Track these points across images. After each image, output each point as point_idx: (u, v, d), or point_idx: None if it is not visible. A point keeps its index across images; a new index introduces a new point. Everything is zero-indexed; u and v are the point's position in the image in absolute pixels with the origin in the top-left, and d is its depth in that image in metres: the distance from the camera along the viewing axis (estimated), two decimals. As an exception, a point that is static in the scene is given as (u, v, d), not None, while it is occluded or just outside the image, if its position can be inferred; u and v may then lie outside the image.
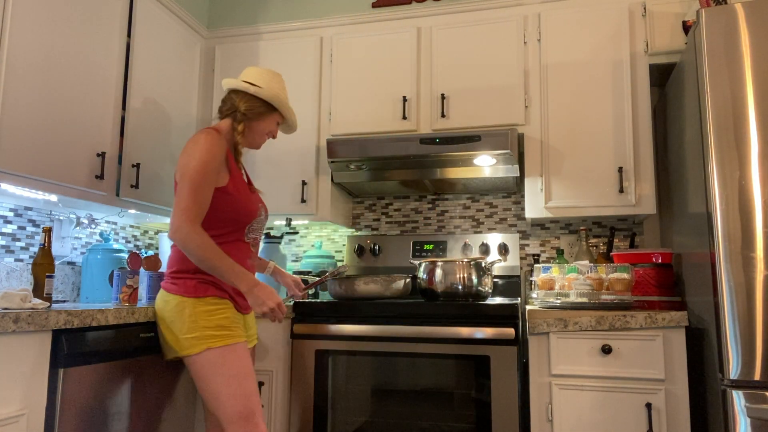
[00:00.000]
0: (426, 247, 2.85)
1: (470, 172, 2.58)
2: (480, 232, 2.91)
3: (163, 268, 2.61)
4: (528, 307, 2.18)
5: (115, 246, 2.45)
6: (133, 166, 2.35)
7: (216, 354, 1.77)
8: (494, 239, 2.78)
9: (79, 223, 2.50)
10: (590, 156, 2.44)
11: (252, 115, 1.95)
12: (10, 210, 2.23)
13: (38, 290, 1.87)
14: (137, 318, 1.82)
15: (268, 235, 2.70)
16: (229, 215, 1.87)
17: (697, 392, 2.03)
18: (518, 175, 2.57)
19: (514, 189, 2.85)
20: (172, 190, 2.60)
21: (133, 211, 2.49)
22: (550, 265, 2.31)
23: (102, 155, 2.17)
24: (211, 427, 1.95)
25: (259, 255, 2.13)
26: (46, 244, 1.92)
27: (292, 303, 2.28)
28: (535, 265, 2.31)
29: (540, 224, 2.85)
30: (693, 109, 1.96)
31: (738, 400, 1.69)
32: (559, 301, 2.13)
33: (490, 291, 2.35)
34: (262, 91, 1.94)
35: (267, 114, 1.98)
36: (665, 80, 2.61)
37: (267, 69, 2.01)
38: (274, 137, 2.06)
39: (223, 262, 1.75)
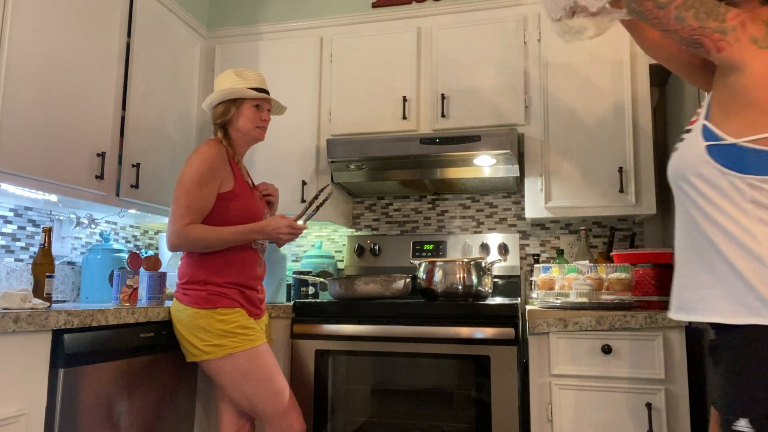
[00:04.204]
0: (426, 247, 2.85)
1: (470, 172, 2.58)
2: (480, 232, 2.91)
3: (164, 268, 2.62)
4: (528, 307, 2.18)
5: (115, 246, 2.45)
6: (133, 166, 2.35)
7: (240, 359, 1.83)
8: (494, 239, 2.78)
9: (79, 223, 2.50)
10: (590, 156, 2.44)
11: (221, 120, 2.02)
12: (10, 210, 2.23)
13: (38, 290, 1.87)
14: (137, 318, 1.82)
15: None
16: (237, 219, 1.92)
17: (697, 392, 2.03)
18: (518, 175, 2.57)
19: (514, 189, 2.85)
20: (173, 191, 2.60)
21: (133, 211, 2.49)
22: (550, 265, 2.31)
23: (102, 155, 2.17)
24: (225, 425, 1.97)
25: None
26: (46, 244, 1.92)
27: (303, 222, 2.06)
28: (535, 265, 2.31)
29: (540, 224, 2.85)
30: (693, 108, 1.96)
31: (738, 400, 1.68)
32: (559, 301, 2.12)
33: (490, 291, 2.35)
34: (212, 96, 2.02)
35: (232, 109, 2.01)
36: (665, 80, 2.61)
37: (223, 72, 2.08)
38: (265, 120, 2.06)
39: (225, 232, 1.86)
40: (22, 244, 2.27)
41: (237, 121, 2.02)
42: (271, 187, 2.21)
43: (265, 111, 2.06)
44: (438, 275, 2.30)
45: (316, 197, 2.07)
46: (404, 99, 2.63)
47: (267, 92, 2.07)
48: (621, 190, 2.37)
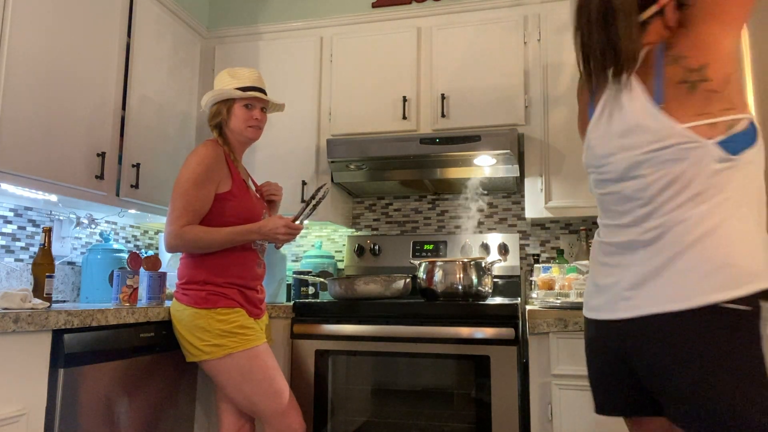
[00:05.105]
0: (426, 247, 2.85)
1: (470, 172, 2.58)
2: (480, 232, 2.91)
3: (164, 268, 2.62)
4: (528, 307, 2.18)
5: (115, 246, 2.45)
6: (133, 166, 2.35)
7: (240, 358, 1.83)
8: (494, 239, 2.78)
9: (79, 223, 2.50)
10: (590, 156, 2.44)
11: (215, 121, 2.03)
12: (10, 210, 2.23)
13: (38, 290, 1.87)
14: (137, 318, 1.82)
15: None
16: (235, 220, 1.92)
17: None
18: (518, 175, 2.57)
19: (514, 189, 2.85)
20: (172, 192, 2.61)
21: (133, 211, 2.49)
22: (550, 265, 2.31)
23: (102, 155, 2.17)
24: (225, 425, 1.97)
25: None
26: (46, 244, 1.92)
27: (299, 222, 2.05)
28: (535, 265, 2.31)
29: (540, 224, 2.85)
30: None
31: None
32: (559, 301, 2.12)
33: (490, 291, 2.35)
34: (204, 98, 2.03)
35: (224, 110, 2.01)
36: (665, 80, 2.60)
37: (220, 72, 2.08)
38: (258, 119, 2.04)
39: (221, 233, 1.86)
40: (22, 244, 2.27)
41: (229, 121, 2.01)
42: (275, 186, 2.20)
43: (256, 110, 2.03)
44: (438, 275, 2.30)
45: (313, 197, 2.06)
46: (404, 99, 2.63)
47: (262, 90, 2.05)
48: (621, 190, 2.36)
